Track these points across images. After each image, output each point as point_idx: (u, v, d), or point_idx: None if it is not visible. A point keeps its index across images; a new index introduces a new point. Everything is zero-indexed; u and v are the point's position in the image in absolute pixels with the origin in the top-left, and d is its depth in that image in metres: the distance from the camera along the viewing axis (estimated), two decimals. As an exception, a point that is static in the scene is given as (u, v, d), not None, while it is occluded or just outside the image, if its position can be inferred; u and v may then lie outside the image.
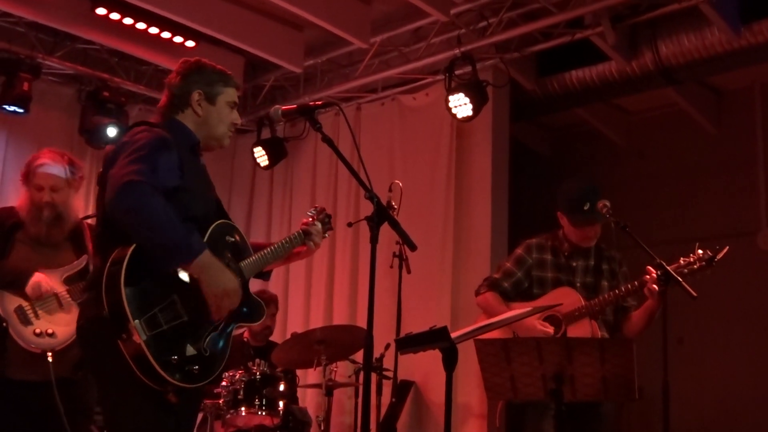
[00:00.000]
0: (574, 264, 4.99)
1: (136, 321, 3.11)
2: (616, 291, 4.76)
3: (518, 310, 4.24)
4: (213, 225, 3.50)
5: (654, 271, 4.57)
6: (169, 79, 3.68)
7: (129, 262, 3.17)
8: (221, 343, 3.41)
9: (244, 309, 3.51)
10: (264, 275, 3.97)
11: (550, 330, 4.77)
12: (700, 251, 4.65)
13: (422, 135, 8.29)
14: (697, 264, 4.64)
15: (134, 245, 3.20)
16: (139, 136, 3.36)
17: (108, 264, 3.23)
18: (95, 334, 3.30)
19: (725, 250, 4.63)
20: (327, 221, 3.99)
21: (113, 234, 3.28)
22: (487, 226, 7.72)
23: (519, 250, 5.10)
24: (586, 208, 4.85)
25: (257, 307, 3.63)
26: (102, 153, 8.62)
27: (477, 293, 5.12)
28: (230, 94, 3.67)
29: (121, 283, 3.13)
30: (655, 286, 4.57)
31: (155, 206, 3.14)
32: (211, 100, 3.61)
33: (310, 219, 3.88)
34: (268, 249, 3.72)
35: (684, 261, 4.68)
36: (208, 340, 3.33)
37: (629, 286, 4.74)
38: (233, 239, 3.58)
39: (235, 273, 3.39)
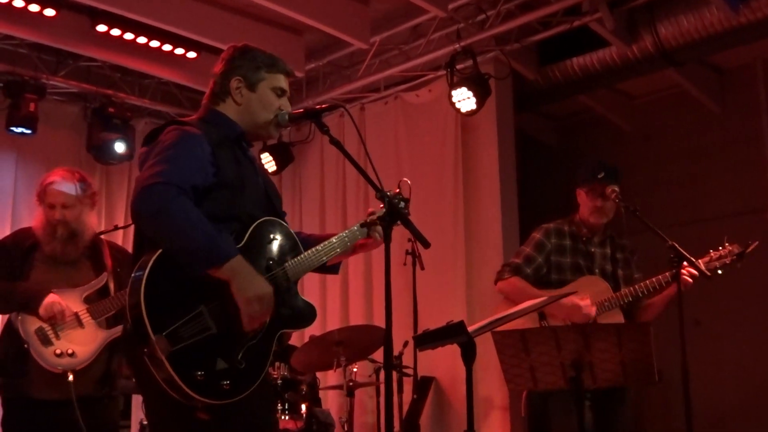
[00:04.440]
0: (593, 250, 5.00)
1: (157, 335, 2.92)
2: (647, 284, 4.77)
3: (539, 298, 4.24)
4: (254, 223, 3.28)
5: (688, 266, 4.58)
6: (214, 67, 3.54)
7: (152, 270, 3.00)
8: (261, 354, 3.18)
9: (291, 312, 3.32)
10: (331, 269, 3.70)
11: (593, 311, 4.75)
12: (729, 245, 4.70)
13: (427, 131, 8.31)
14: (728, 258, 4.69)
15: (159, 251, 3.03)
16: (165, 137, 3.22)
17: (132, 274, 3.06)
18: (127, 349, 3.19)
19: (755, 245, 4.67)
20: (400, 204, 3.58)
21: (145, 242, 3.14)
22: (497, 218, 7.72)
23: (537, 235, 5.09)
24: (600, 176, 4.89)
25: (306, 310, 3.40)
26: (111, 169, 8.69)
27: (499, 279, 5.10)
28: (276, 80, 3.50)
29: (141, 294, 2.95)
30: (690, 279, 4.60)
31: (179, 208, 2.99)
32: (252, 87, 3.45)
33: (381, 206, 3.50)
34: (321, 246, 3.47)
35: (714, 254, 4.71)
36: (244, 351, 3.11)
37: (661, 278, 4.74)
38: (278, 238, 3.35)
39: (272, 278, 3.22)
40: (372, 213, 3.59)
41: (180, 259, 3.02)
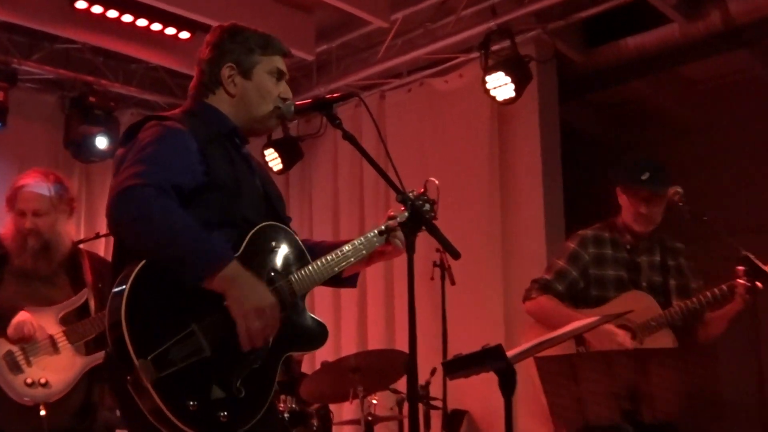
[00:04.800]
0: (638, 260, 4.96)
1: (141, 360, 2.86)
2: (701, 298, 4.71)
3: (586, 318, 4.20)
4: (253, 229, 3.24)
5: (744, 276, 4.54)
6: (199, 52, 3.52)
7: (134, 284, 2.94)
8: (264, 381, 3.13)
9: (297, 332, 3.28)
10: (347, 281, 3.68)
11: (629, 342, 4.71)
12: None
13: (458, 123, 8.30)
14: None
15: (142, 262, 2.98)
16: (144, 134, 3.20)
17: (112, 289, 3.01)
18: (110, 376, 3.17)
19: None
20: (425, 207, 3.62)
21: (125, 253, 3.10)
22: (540, 223, 7.70)
23: (572, 245, 5.05)
24: (644, 177, 4.84)
25: (316, 330, 3.36)
26: (92, 168, 8.71)
27: (526, 298, 5.09)
28: (272, 63, 3.47)
29: (122, 313, 2.89)
30: (747, 294, 4.56)
31: (160, 210, 2.96)
32: (247, 74, 3.42)
33: (402, 209, 3.49)
34: (332, 255, 3.43)
35: None
36: (244, 377, 3.06)
37: (717, 291, 4.69)
38: (281, 245, 3.32)
39: (275, 292, 3.17)
40: (392, 216, 3.58)
41: (167, 270, 2.99)
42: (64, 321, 4.67)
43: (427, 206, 3.64)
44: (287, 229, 3.41)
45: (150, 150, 3.11)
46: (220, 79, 3.44)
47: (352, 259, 3.49)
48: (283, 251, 3.33)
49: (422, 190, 3.63)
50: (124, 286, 2.96)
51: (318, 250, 3.51)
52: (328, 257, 3.42)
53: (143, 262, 3.00)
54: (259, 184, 3.47)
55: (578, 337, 4.79)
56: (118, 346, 2.93)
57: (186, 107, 3.47)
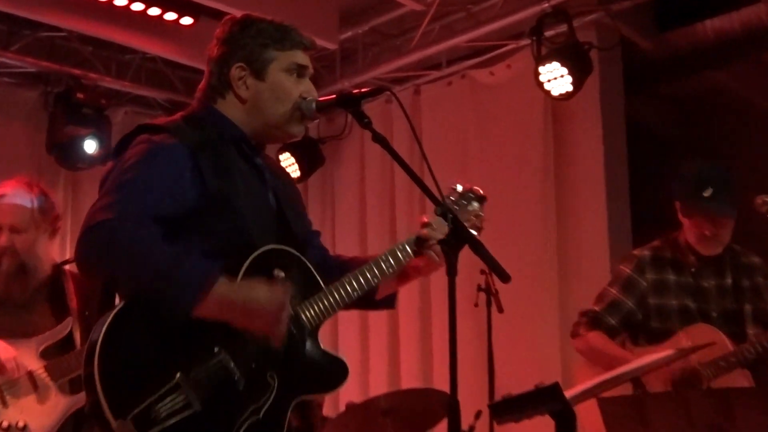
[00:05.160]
0: (706, 285, 4.91)
1: (119, 421, 2.87)
2: None
3: (652, 354, 4.17)
4: (254, 254, 3.23)
5: None
6: (208, 49, 3.54)
7: (109, 331, 2.98)
8: None
9: (308, 371, 3.28)
10: (383, 303, 3.68)
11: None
12: None
13: (505, 122, 8.29)
14: None
15: (120, 305, 3.02)
16: (130, 153, 3.23)
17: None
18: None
19: None
20: (472, 205, 3.63)
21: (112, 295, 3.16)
22: (604, 239, 7.67)
23: (627, 269, 5.05)
24: (707, 194, 4.78)
25: (331, 367, 3.37)
26: (79, 176, 8.72)
27: (574, 334, 5.12)
28: (290, 58, 3.46)
29: (95, 366, 2.93)
30: None
31: (130, 243, 3.00)
32: (260, 74, 3.43)
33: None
34: (350, 278, 3.42)
35: None
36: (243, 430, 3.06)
37: None
38: (287, 272, 3.28)
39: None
40: (426, 223, 3.54)
41: (149, 309, 3.00)
42: (45, 355, 4.66)
43: (475, 205, 3.62)
44: (294, 253, 3.38)
45: (130, 175, 3.15)
46: (229, 81, 3.45)
47: (374, 282, 3.46)
48: (289, 278, 3.28)
49: (466, 188, 3.61)
50: (98, 334, 2.98)
51: (349, 268, 3.50)
52: (345, 281, 3.41)
53: (121, 304, 3.03)
54: (272, 199, 3.48)
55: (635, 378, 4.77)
56: (92, 404, 2.95)
57: (189, 111, 3.50)
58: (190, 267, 3.00)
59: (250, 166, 3.44)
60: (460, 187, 3.69)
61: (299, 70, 3.48)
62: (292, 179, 3.94)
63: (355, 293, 3.41)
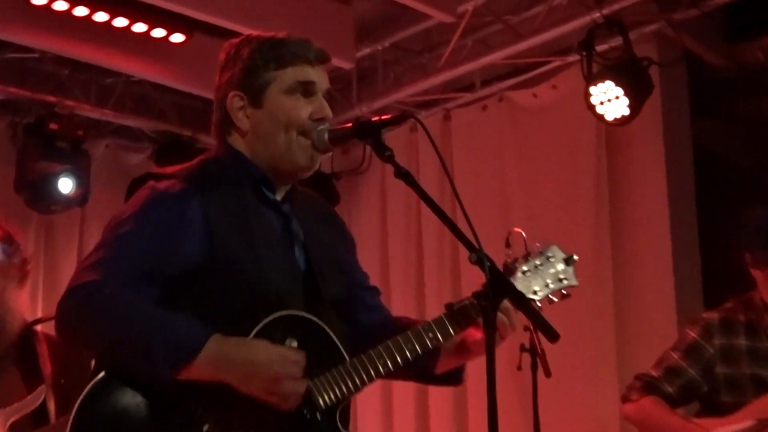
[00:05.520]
0: None
1: None
2: None
3: (726, 426, 4.16)
4: (264, 320, 3.20)
5: None
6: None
7: (81, 410, 3.02)
8: None
9: None
10: (445, 378, 3.61)
11: None
12: None
13: (551, 151, 8.31)
14: None
15: (97, 378, 3.04)
16: (132, 201, 3.29)
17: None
18: None
19: None
20: (555, 267, 3.68)
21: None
22: (669, 289, 7.65)
23: (692, 333, 5.05)
24: None
25: None
26: (54, 219, 8.74)
27: (626, 399, 5.11)
28: (290, 75, 3.44)
29: None
30: None
31: (110, 305, 3.04)
32: (257, 100, 3.43)
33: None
34: (380, 349, 3.34)
35: None
36: None
37: None
38: (302, 342, 3.25)
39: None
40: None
41: (138, 378, 3.03)
42: (14, 429, 4.65)
43: (560, 267, 3.71)
44: (313, 320, 3.33)
45: (125, 229, 3.20)
46: (228, 113, 3.47)
47: (410, 356, 3.36)
48: (304, 349, 3.23)
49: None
50: (71, 415, 3.03)
51: (394, 327, 3.51)
52: (374, 354, 3.34)
53: (98, 377, 3.05)
54: (299, 256, 3.46)
55: None
56: None
57: (211, 153, 3.54)
58: (180, 329, 3.02)
59: (276, 214, 3.45)
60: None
61: (304, 88, 3.46)
62: (338, 221, 3.87)
63: (385, 369, 3.34)
